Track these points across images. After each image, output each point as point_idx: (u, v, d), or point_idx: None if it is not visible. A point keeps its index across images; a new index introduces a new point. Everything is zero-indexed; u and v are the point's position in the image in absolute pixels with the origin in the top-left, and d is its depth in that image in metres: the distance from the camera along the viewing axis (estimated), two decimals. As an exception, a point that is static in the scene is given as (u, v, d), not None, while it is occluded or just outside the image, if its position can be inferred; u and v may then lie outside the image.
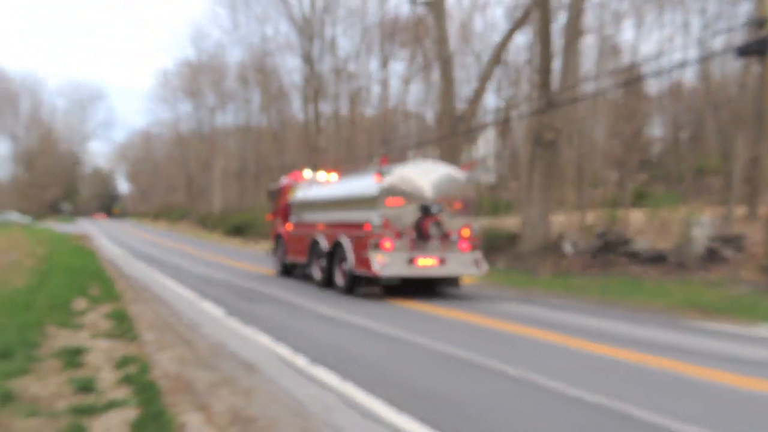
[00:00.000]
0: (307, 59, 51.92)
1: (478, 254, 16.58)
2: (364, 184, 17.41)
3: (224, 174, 79.31)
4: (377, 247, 15.78)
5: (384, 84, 52.97)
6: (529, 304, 15.34)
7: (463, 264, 16.37)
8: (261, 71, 63.36)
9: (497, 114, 41.55)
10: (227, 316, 12.27)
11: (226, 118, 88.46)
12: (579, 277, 20.88)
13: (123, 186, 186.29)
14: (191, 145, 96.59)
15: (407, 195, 16.25)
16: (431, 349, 9.45)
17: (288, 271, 22.19)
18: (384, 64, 52.29)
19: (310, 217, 20.24)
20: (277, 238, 23.13)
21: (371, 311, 13.41)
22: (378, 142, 47.18)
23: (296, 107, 64.48)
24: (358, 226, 16.44)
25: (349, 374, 7.95)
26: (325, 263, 18.02)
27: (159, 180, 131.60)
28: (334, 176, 22.83)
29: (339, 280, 17.33)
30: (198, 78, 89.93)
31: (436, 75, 42.30)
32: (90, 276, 17.83)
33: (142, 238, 50.46)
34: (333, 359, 8.74)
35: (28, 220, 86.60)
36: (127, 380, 7.15)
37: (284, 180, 24.07)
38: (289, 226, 21.93)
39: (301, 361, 8.65)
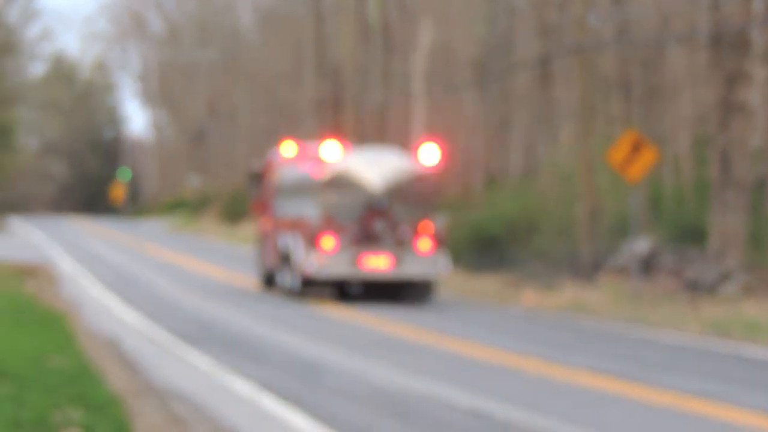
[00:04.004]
0: None
1: (442, 254, 15.34)
2: (307, 173, 16.50)
3: (436, 67, 30.30)
4: (315, 244, 15.00)
5: None
6: None
7: (423, 265, 15.25)
8: None
9: None
10: None
11: None
12: None
13: (138, 120, 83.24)
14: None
15: (352, 187, 15.27)
16: None
17: (272, 281, 17.87)
18: None
19: (284, 209, 17.70)
20: (260, 236, 19.08)
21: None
22: None
23: None
24: (304, 221, 15.79)
25: None
26: (289, 266, 16.46)
27: (240, 99, 53.09)
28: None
29: (295, 282, 16.13)
30: None
31: None
32: (58, 389, 6.95)
33: (201, 275, 22.84)
34: None
35: None
36: None
37: (270, 156, 19.31)
38: (268, 222, 18.19)
39: None
